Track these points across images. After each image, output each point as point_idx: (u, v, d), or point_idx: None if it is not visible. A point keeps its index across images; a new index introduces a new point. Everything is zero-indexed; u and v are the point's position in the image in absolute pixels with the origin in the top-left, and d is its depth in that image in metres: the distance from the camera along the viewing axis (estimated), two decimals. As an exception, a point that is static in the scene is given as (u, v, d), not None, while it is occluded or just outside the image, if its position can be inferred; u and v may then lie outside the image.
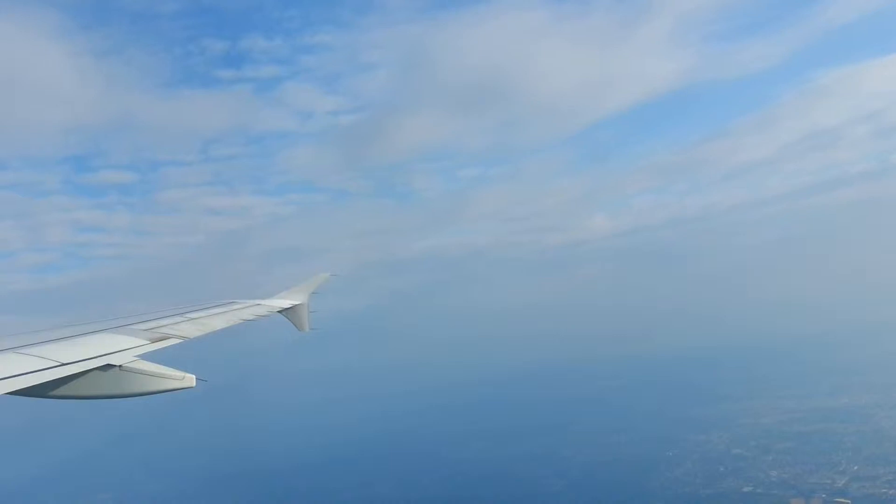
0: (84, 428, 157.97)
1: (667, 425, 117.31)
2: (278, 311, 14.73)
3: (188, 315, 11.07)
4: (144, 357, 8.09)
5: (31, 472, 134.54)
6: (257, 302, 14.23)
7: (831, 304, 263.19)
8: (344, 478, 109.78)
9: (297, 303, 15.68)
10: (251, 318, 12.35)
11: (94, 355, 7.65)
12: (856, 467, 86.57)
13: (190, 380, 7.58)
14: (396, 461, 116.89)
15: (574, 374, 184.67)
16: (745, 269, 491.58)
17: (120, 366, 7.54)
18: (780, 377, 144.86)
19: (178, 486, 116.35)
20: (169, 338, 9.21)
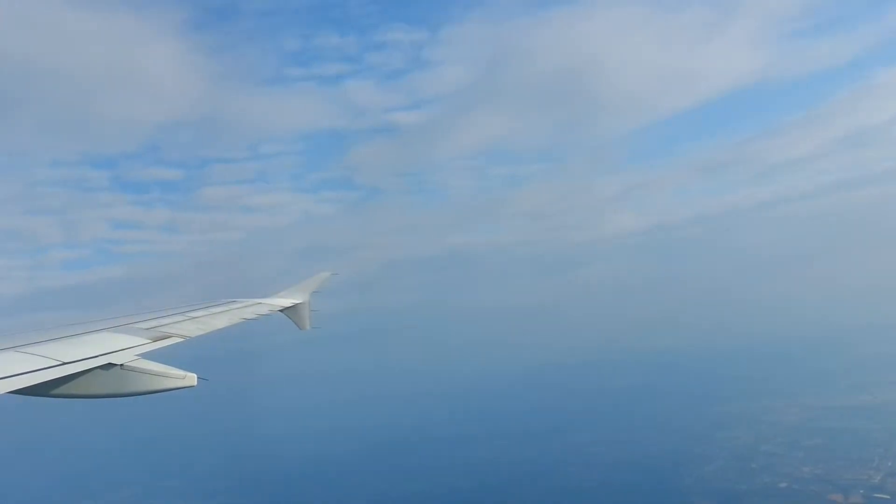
0: (86, 427, 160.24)
1: (690, 423, 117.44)
2: (279, 310, 14.93)
3: (189, 314, 11.30)
4: (146, 356, 8.25)
5: (38, 472, 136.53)
6: (258, 301, 14.43)
7: (847, 303, 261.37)
8: (362, 477, 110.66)
9: (298, 301, 15.83)
10: (252, 316, 12.53)
11: (96, 354, 7.81)
12: (890, 463, 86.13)
13: (191, 379, 7.71)
14: (414, 461, 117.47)
15: (590, 373, 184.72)
16: (761, 267, 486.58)
17: (121, 365, 7.69)
18: (798, 375, 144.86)
19: (193, 485, 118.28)
20: (170, 337, 9.40)
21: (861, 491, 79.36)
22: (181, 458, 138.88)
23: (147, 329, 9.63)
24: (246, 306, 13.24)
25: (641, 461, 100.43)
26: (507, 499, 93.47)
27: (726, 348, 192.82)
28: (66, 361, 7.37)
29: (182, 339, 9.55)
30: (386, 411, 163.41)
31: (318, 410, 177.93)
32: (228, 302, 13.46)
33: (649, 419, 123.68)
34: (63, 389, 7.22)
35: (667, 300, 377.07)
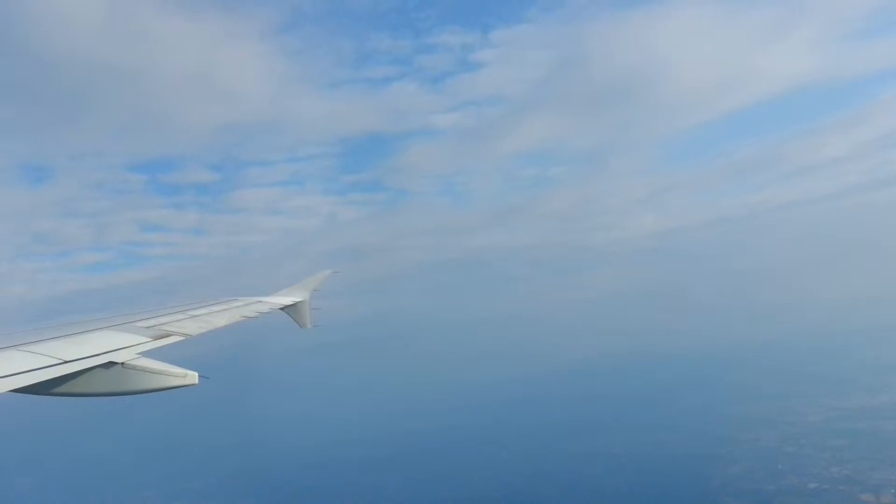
0: (87, 426, 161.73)
1: (711, 423, 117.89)
2: (280, 309, 15.16)
3: (190, 312, 11.48)
4: (147, 354, 8.42)
5: (38, 472, 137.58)
6: (259, 299, 14.62)
7: (862, 302, 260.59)
8: (386, 476, 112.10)
9: (298, 300, 16.08)
10: (253, 315, 12.70)
11: (97, 352, 7.97)
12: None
13: (192, 377, 7.86)
14: (437, 460, 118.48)
15: (609, 373, 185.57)
16: (779, 269, 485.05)
17: (122, 363, 7.86)
18: (814, 375, 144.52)
19: (193, 486, 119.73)
20: (171, 335, 9.57)
21: (892, 491, 79.19)
22: (183, 457, 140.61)
23: (148, 327, 9.79)
24: (247, 304, 13.43)
25: (666, 461, 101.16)
26: (532, 497, 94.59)
27: (742, 350, 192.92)
28: (66, 360, 7.51)
29: (183, 338, 9.70)
30: (394, 418, 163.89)
31: (321, 412, 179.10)
32: (229, 300, 13.63)
33: (668, 422, 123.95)
34: (64, 388, 7.36)
35: (682, 302, 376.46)
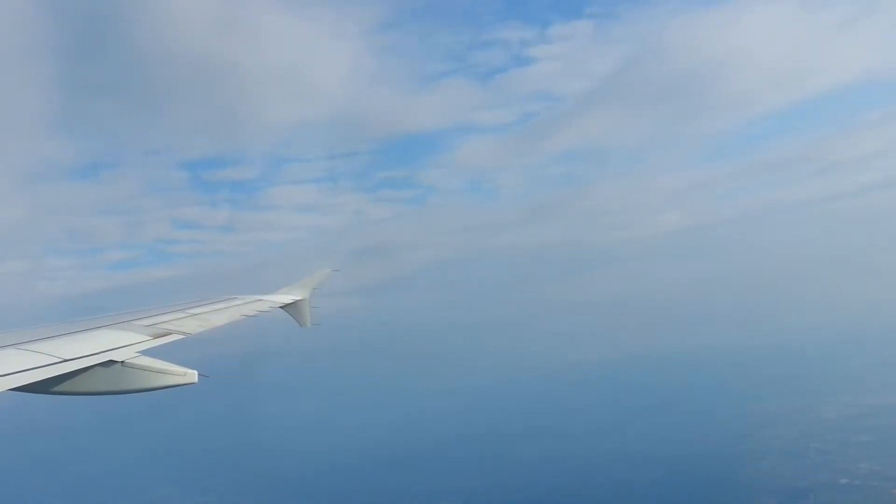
0: (87, 427, 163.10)
1: (730, 422, 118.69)
2: (280, 307, 15.40)
3: (190, 311, 11.67)
4: (146, 353, 8.54)
5: (37, 471, 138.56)
6: (258, 297, 14.81)
7: (870, 302, 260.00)
8: (404, 476, 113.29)
9: (298, 298, 16.31)
10: (253, 313, 12.89)
11: (96, 351, 8.09)
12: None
13: (192, 376, 7.98)
14: (448, 463, 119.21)
15: (620, 373, 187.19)
16: (795, 266, 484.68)
17: (122, 362, 7.99)
18: (826, 374, 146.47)
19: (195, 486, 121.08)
20: (170, 333, 9.76)
21: (924, 486, 79.21)
22: (184, 457, 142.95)
23: (147, 326, 9.95)
24: (246, 303, 13.61)
25: (692, 460, 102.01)
26: (558, 495, 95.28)
27: (759, 347, 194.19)
28: (66, 358, 7.62)
29: (183, 336, 9.88)
30: (402, 420, 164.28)
31: (325, 414, 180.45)
32: (229, 298, 13.82)
33: (689, 420, 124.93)
34: (64, 387, 7.49)
35: (700, 299, 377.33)
